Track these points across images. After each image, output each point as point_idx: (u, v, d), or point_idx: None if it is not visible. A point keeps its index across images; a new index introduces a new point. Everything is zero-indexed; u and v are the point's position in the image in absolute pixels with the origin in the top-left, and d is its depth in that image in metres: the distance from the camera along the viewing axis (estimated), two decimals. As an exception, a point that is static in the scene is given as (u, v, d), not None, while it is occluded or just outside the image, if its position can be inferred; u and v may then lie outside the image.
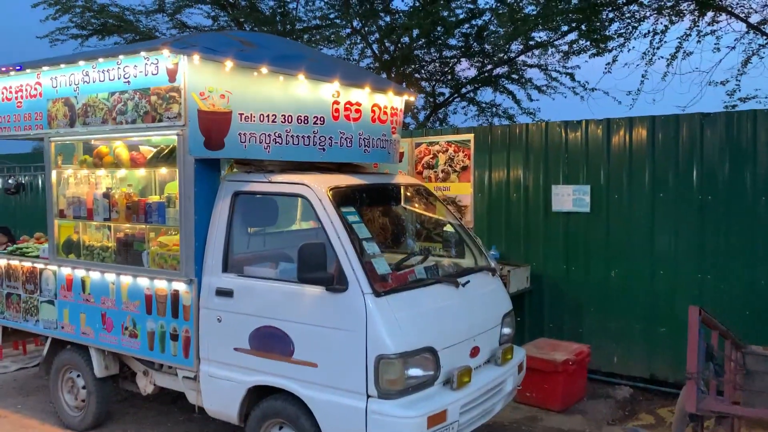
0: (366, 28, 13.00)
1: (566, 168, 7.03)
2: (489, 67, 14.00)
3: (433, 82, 14.42)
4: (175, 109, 4.70)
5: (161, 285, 4.94)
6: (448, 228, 5.55)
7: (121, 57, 4.95)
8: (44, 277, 5.81)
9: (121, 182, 5.43)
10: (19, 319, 6.09)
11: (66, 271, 5.61)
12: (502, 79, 14.17)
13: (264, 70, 4.48)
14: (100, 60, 5.01)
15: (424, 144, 5.86)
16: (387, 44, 13.46)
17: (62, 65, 5.28)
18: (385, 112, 4.91)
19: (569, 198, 6.90)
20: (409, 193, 5.47)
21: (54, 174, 5.72)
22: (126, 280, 5.17)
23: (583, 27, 12.15)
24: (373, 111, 4.82)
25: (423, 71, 14.11)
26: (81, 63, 5.15)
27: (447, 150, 5.66)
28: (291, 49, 5.07)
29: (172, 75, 4.69)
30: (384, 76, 13.04)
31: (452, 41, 13.71)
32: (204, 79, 4.58)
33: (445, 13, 12.64)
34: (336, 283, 4.11)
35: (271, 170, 4.80)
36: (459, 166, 5.60)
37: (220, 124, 4.64)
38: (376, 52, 13.52)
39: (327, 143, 4.64)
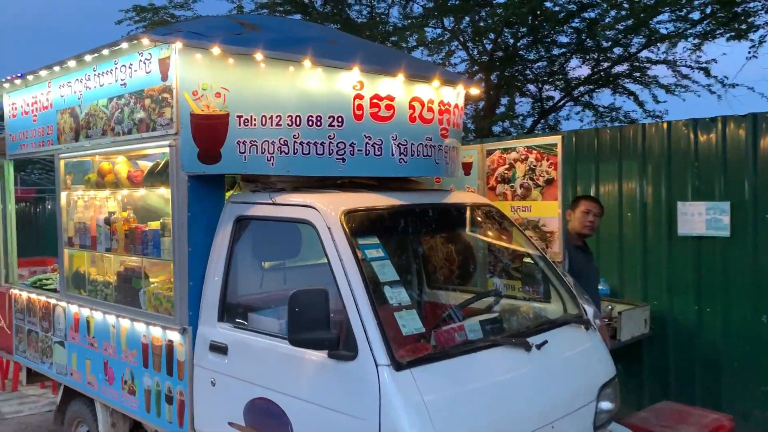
0: (459, 26, 11.69)
1: (696, 180, 5.44)
2: (606, 65, 12.23)
3: (540, 84, 12.83)
4: (168, 113, 3.76)
5: (157, 333, 3.99)
6: (527, 262, 4.18)
7: (110, 53, 4.08)
8: (56, 315, 5.06)
9: (124, 205, 4.56)
10: (37, 359, 5.39)
11: (73, 308, 4.82)
12: (621, 78, 12.35)
13: (258, 56, 3.40)
14: (87, 58, 4.17)
15: (497, 151, 4.54)
16: (485, 44, 12.08)
17: (57, 68, 4.51)
18: (430, 108, 3.66)
19: (701, 218, 5.32)
20: (471, 216, 4.17)
21: (64, 196, 4.96)
22: (125, 324, 4.27)
23: (719, 13, 10.24)
24: (411, 107, 3.59)
25: (528, 71, 12.55)
26: (72, 64, 4.35)
27: (527, 158, 4.31)
28: (306, 32, 3.97)
29: (164, 71, 3.76)
30: (480, 77, 11.69)
31: (562, 38, 12.11)
32: (197, 74, 3.60)
33: (556, 9, 11.12)
34: (342, 347, 2.92)
35: (282, 188, 3.70)
36: (542, 178, 4.24)
37: (216, 131, 3.62)
38: (473, 53, 12.18)
39: (347, 151, 3.46)
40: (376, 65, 3.46)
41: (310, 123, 3.46)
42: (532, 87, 12.94)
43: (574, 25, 11.58)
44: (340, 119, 3.46)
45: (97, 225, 4.59)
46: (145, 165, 4.37)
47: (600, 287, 5.85)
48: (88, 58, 4.14)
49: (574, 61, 12.23)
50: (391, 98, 3.53)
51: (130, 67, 4.08)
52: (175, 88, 3.66)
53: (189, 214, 3.73)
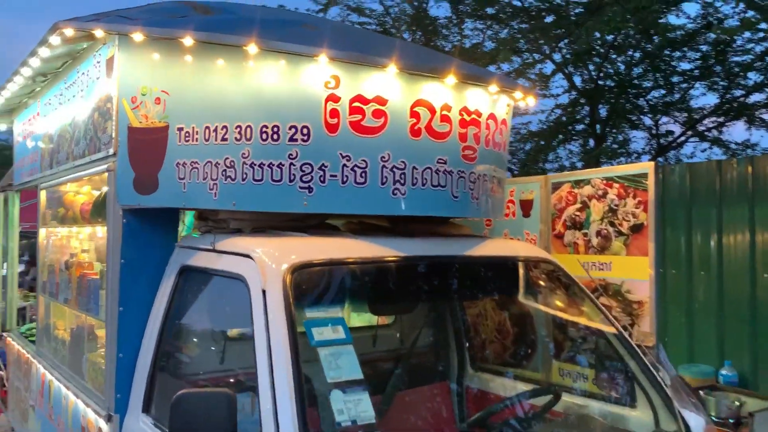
0: (557, 47, 10.33)
1: None
2: (738, 93, 10.38)
3: (657, 116, 11.11)
4: (109, 129, 2.88)
5: (91, 416, 3.04)
6: (601, 345, 2.87)
7: (70, 60, 3.32)
8: (32, 373, 4.29)
9: (83, 245, 3.71)
10: (18, 421, 4.65)
11: (41, 369, 4.01)
12: (758, 109, 10.42)
13: (188, 40, 2.42)
14: (33, 62, 3.37)
15: (566, 185, 3.28)
16: (590, 70, 10.63)
17: (17, 80, 3.77)
18: (445, 118, 2.50)
19: None
20: (521, 276, 2.93)
21: (43, 233, 4.23)
22: (71, 397, 3.37)
23: None
24: (414, 114, 2.44)
25: (642, 101, 10.88)
26: (26, 72, 3.59)
27: (605, 194, 3.03)
28: (274, 16, 2.96)
29: (110, 75, 2.90)
30: (586, 111, 10.20)
31: (684, 65, 10.45)
32: (137, 76, 2.72)
33: (678, 33, 9.58)
34: (252, 488, 1.80)
35: (238, 229, 2.67)
36: (627, 223, 2.93)
37: (154, 149, 2.68)
38: (575, 81, 10.75)
39: (316, 177, 2.37)
40: (356, 51, 2.37)
41: (264, 136, 2.42)
42: (647, 119, 11.26)
43: (698, 47, 9.92)
44: (305, 131, 2.39)
45: (59, 269, 3.78)
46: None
47: (724, 372, 4.33)
48: (34, 62, 3.36)
49: (699, 89, 10.49)
50: (382, 101, 2.41)
51: (87, 75, 3.27)
52: (115, 95, 2.78)
53: (122, 262, 2.79)
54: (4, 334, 5.19)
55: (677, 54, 10.14)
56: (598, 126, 10.48)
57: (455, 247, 2.69)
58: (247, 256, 2.22)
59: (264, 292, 2.06)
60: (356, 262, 2.34)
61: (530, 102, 3.06)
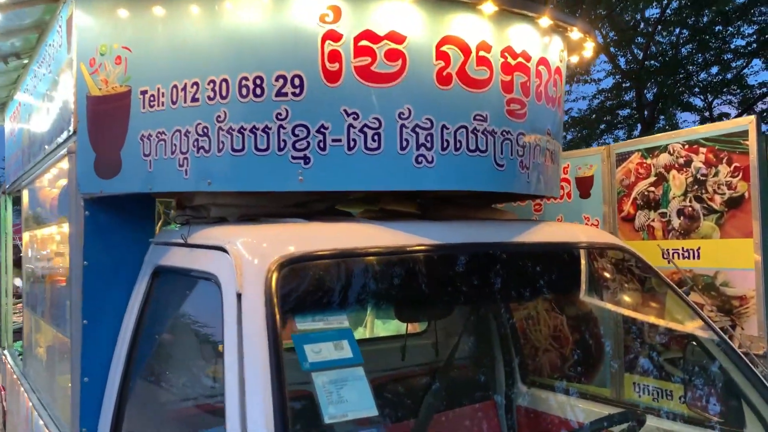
0: (597, 30, 9.60)
1: None
2: (800, 68, 9.52)
3: (710, 97, 10.28)
4: (69, 103, 2.36)
5: (60, 454, 2.51)
6: (693, 353, 2.23)
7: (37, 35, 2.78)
8: (19, 395, 3.80)
9: (60, 249, 3.20)
10: (12, 453, 4.16)
11: (24, 392, 3.51)
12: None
13: (139, -32, 1.87)
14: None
15: (635, 154, 2.64)
16: (634, 50, 9.88)
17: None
18: (483, 60, 1.89)
19: None
20: (585, 267, 2.30)
21: (27, 238, 3.75)
22: (44, 429, 2.84)
23: None
24: (441, 55, 1.84)
25: (693, 82, 10.06)
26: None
27: (689, 162, 2.39)
28: None
29: (69, 39, 2.39)
30: (632, 95, 9.45)
31: (738, 41, 9.64)
32: (95, 33, 2.22)
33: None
34: None
35: (222, 218, 2.10)
36: (721, 198, 2.29)
37: (116, 121, 2.14)
38: (618, 61, 9.98)
39: (314, 143, 1.79)
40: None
41: (244, 91, 1.84)
42: (698, 101, 10.43)
43: (755, 20, 9.09)
44: (296, 81, 1.81)
45: (38, 278, 3.28)
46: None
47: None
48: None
49: (756, 66, 9.65)
50: (399, 38, 1.82)
51: (52, 46, 2.78)
52: (74, 61, 2.26)
53: (86, 264, 2.26)
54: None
55: (730, 29, 9.35)
56: (645, 112, 9.72)
57: (501, 233, 2.07)
58: (221, 249, 1.65)
59: (239, 296, 1.48)
60: (372, 253, 1.74)
61: (588, 51, 2.44)
